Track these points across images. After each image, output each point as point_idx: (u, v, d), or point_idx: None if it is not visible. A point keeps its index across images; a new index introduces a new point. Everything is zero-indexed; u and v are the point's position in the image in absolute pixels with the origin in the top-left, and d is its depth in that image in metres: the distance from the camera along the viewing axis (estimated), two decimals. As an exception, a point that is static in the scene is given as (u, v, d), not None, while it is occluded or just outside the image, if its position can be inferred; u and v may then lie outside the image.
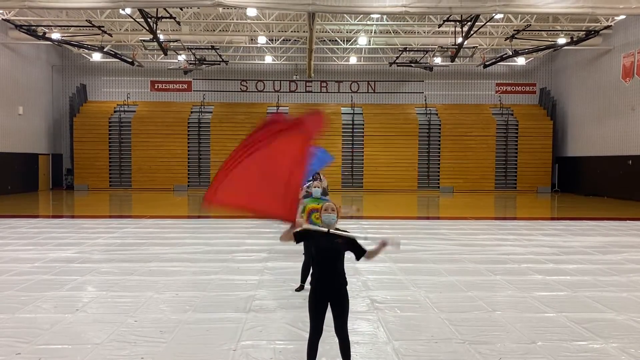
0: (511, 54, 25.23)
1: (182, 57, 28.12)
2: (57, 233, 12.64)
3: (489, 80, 31.47)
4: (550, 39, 25.49)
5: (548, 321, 6.16)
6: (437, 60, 27.77)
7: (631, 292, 7.48)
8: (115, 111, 29.95)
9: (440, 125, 29.87)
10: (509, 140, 29.79)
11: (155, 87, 31.16)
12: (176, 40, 25.39)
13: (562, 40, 23.85)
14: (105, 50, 25.32)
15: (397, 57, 28.17)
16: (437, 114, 30.42)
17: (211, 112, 30.21)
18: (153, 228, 13.69)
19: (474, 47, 27.02)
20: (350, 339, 4.35)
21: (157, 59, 29.36)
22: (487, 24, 21.99)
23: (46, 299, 6.92)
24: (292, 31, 25.95)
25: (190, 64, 28.09)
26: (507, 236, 12.60)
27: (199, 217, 17.31)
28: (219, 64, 29.04)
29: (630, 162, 23.54)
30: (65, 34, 24.78)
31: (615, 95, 24.85)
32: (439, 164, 29.69)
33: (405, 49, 27.16)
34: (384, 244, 4.24)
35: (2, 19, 22.81)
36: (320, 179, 9.39)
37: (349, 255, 4.37)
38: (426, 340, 5.48)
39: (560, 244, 11.58)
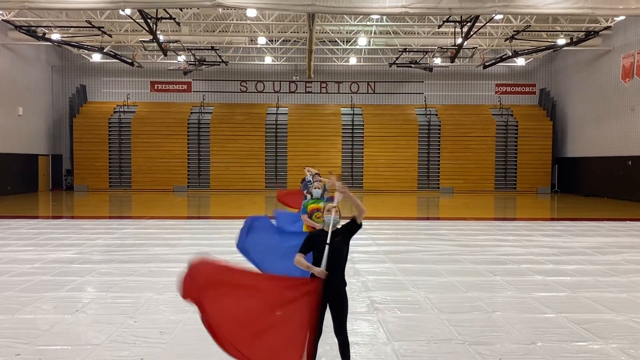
0: (511, 54, 25.24)
1: (181, 58, 28.12)
2: (57, 234, 12.64)
3: (489, 80, 31.48)
4: (550, 40, 25.50)
5: (548, 322, 6.16)
6: (437, 60, 27.78)
7: (631, 293, 7.49)
8: (115, 112, 29.95)
9: (440, 125, 29.87)
10: (509, 141, 29.79)
11: (155, 87, 31.16)
12: (176, 41, 25.39)
13: (561, 41, 23.86)
14: (105, 51, 25.33)
15: (397, 58, 28.18)
16: (436, 115, 30.43)
17: (211, 112, 30.22)
18: (153, 229, 13.69)
19: (473, 48, 27.04)
20: (349, 340, 4.35)
21: (156, 60, 29.36)
22: (487, 24, 21.99)
23: (46, 300, 6.92)
24: (291, 32, 25.96)
25: (190, 64, 28.10)
26: (506, 237, 12.61)
27: (198, 217, 17.32)
28: (219, 65, 29.05)
29: (630, 162, 23.54)
30: (65, 35, 24.78)
31: (614, 96, 24.85)
32: (438, 165, 29.69)
33: (405, 50, 27.16)
34: (341, 193, 4.51)
35: (2, 19, 22.81)
36: (320, 179, 9.40)
37: (349, 256, 4.39)
38: (426, 341, 5.48)
39: (560, 244, 11.58)
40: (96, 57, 28.89)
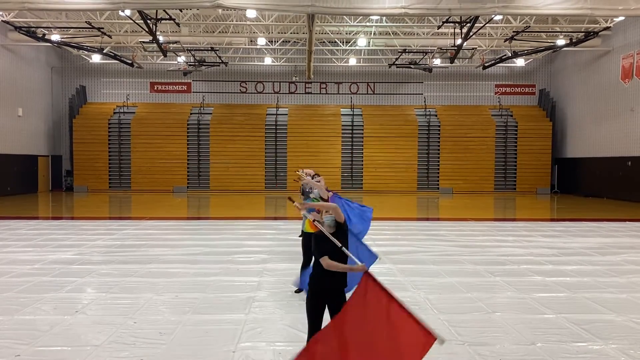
0: (510, 55, 25.26)
1: (181, 59, 28.13)
2: (57, 235, 12.64)
3: (488, 81, 31.50)
4: (549, 40, 25.51)
5: (547, 322, 6.17)
6: (437, 61, 27.79)
7: (630, 293, 7.49)
8: (114, 112, 29.96)
9: (439, 126, 29.89)
10: (509, 142, 29.80)
11: (155, 88, 31.17)
12: (176, 42, 25.41)
13: (561, 42, 23.88)
14: (104, 51, 25.33)
15: (397, 59, 28.19)
16: (436, 115, 30.44)
17: (211, 113, 30.24)
18: (153, 229, 13.69)
19: (473, 49, 27.06)
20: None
21: (156, 61, 29.37)
22: (487, 25, 22.00)
23: (46, 301, 6.92)
24: (291, 33, 25.96)
25: (190, 65, 28.10)
26: (506, 237, 12.61)
27: (198, 218, 17.33)
28: (219, 66, 29.05)
29: (629, 163, 23.55)
30: (65, 36, 24.77)
31: (614, 97, 24.87)
32: (438, 165, 29.70)
33: (404, 50, 27.17)
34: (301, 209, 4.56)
35: (2, 20, 22.82)
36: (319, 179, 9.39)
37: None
38: (426, 342, 5.48)
39: (559, 245, 11.58)
40: (96, 58, 28.90)
